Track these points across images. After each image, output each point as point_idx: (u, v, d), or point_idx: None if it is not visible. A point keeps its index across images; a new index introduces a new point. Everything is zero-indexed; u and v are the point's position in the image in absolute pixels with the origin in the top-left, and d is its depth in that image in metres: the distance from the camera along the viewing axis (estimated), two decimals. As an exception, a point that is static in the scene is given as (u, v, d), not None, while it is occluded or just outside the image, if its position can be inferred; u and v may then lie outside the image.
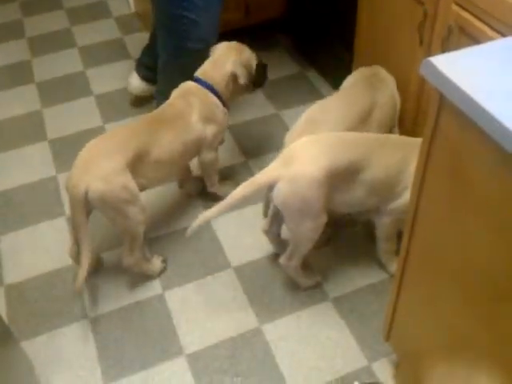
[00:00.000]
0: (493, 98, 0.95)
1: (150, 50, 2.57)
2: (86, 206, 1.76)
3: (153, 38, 2.54)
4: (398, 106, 2.11)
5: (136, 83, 2.68)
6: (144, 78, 2.64)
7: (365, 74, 2.14)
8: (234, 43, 2.12)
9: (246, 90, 2.17)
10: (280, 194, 1.64)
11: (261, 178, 1.67)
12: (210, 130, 2.02)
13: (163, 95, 2.38)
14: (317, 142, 1.69)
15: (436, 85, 1.04)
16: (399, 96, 2.10)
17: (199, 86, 2.03)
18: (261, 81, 2.20)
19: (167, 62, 2.36)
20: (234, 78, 2.06)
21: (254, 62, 2.13)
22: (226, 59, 2.06)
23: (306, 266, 1.94)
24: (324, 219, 1.70)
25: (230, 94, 2.10)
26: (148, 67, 2.58)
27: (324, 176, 1.61)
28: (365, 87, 2.05)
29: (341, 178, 1.64)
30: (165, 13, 2.24)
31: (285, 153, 1.69)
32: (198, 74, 2.07)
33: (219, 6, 2.21)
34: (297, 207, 1.66)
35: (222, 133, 2.12)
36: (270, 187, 1.67)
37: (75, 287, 1.86)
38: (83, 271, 1.81)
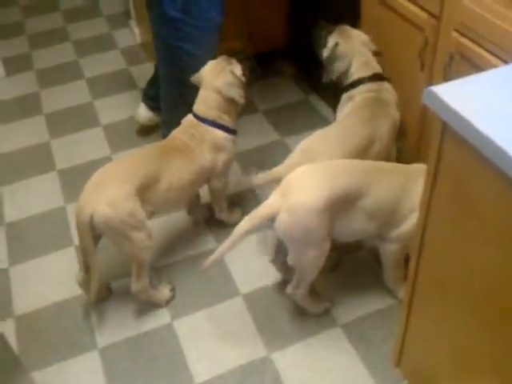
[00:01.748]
0: (495, 126, 0.97)
1: (154, 81, 2.62)
2: (93, 230, 1.77)
3: (156, 69, 2.59)
4: (397, 125, 2.06)
5: (143, 113, 2.73)
6: (150, 107, 2.69)
7: (366, 100, 2.03)
8: (213, 63, 2.07)
9: (246, 92, 2.13)
10: (281, 225, 1.65)
11: (262, 210, 1.68)
12: (220, 159, 2.04)
13: (167, 124, 2.43)
14: (315, 170, 1.71)
15: (438, 113, 1.05)
16: (399, 115, 2.05)
17: (200, 122, 2.02)
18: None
19: (168, 93, 2.40)
20: (227, 99, 2.03)
21: (237, 70, 2.06)
22: (211, 87, 2.02)
23: (314, 292, 1.94)
24: (327, 246, 1.71)
25: (234, 113, 2.08)
26: (153, 97, 2.62)
27: (323, 204, 1.61)
28: (364, 120, 1.97)
29: (340, 205, 1.65)
30: (162, 44, 2.29)
31: (283, 183, 1.70)
32: (196, 109, 2.05)
33: (216, 36, 2.24)
34: (299, 237, 1.67)
35: (232, 160, 2.14)
36: (272, 219, 1.67)
37: (90, 302, 1.89)
38: (93, 291, 1.86)
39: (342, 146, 1.90)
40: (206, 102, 2.04)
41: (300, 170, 1.72)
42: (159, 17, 2.22)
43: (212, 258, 1.74)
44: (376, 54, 2.13)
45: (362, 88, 2.07)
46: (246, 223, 1.68)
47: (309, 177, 1.69)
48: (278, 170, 1.88)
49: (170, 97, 2.40)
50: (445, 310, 1.30)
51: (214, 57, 2.14)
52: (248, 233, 1.69)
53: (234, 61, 2.08)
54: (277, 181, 1.78)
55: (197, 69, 2.12)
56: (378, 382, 1.74)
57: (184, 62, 2.23)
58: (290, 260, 1.74)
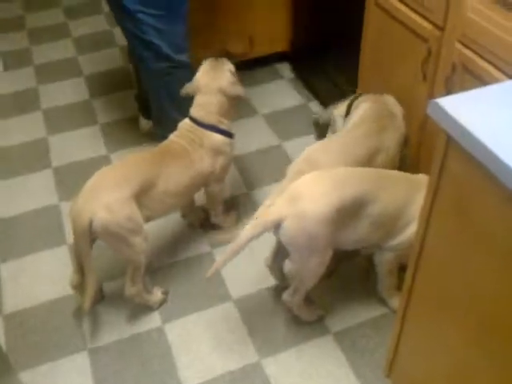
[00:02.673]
0: (499, 140, 0.96)
1: (138, 88, 2.66)
2: (91, 234, 1.75)
3: (136, 72, 2.61)
4: (403, 138, 2.07)
5: (143, 123, 2.76)
6: (147, 116, 2.69)
7: (374, 111, 2.04)
8: (207, 66, 2.06)
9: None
10: (287, 231, 1.64)
11: (267, 216, 1.66)
12: (218, 163, 2.03)
13: (160, 123, 2.47)
14: (322, 178, 1.69)
15: (443, 126, 1.05)
16: (405, 128, 2.06)
17: (198, 126, 2.01)
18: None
19: (151, 89, 2.40)
20: (227, 99, 2.03)
21: (232, 68, 2.08)
22: (211, 91, 2.01)
23: (308, 300, 1.92)
24: (330, 254, 1.70)
25: (232, 114, 2.08)
26: (145, 105, 2.61)
27: (331, 212, 1.60)
28: (372, 131, 1.97)
29: (346, 213, 1.64)
30: (131, 39, 2.28)
31: (290, 190, 1.68)
32: (193, 113, 2.03)
33: (183, 25, 2.22)
34: (304, 244, 1.65)
35: (230, 164, 2.13)
36: (277, 225, 1.65)
37: (83, 309, 1.86)
38: (89, 298, 1.82)
39: (347, 156, 1.90)
40: (205, 106, 2.02)
41: (308, 177, 1.70)
42: (121, 11, 2.17)
43: (215, 266, 1.72)
44: None
45: (364, 97, 2.11)
46: (251, 229, 1.65)
47: (317, 184, 1.67)
48: (281, 185, 1.85)
49: (154, 92, 2.39)
50: (439, 323, 1.29)
51: (188, 49, 2.22)
52: (253, 239, 1.66)
53: (225, 60, 2.09)
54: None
55: (168, 59, 2.16)
56: (369, 391, 1.74)
57: (155, 54, 2.22)
58: (289, 266, 1.73)
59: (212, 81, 2.03)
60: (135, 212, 1.78)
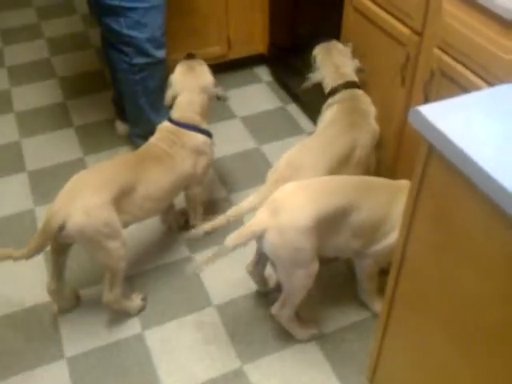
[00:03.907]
0: (481, 149, 0.96)
1: (116, 90, 2.62)
2: (65, 238, 1.72)
3: (111, 75, 2.58)
4: (377, 136, 2.09)
5: (121, 127, 2.73)
6: (124, 119, 2.66)
7: (345, 108, 2.05)
8: (183, 69, 2.06)
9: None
10: (270, 244, 1.63)
11: (249, 228, 1.64)
12: (200, 164, 2.02)
13: (136, 125, 2.49)
14: (302, 189, 1.68)
15: (424, 134, 1.05)
16: (378, 127, 2.08)
17: (179, 128, 2.00)
18: None
19: (126, 87, 2.39)
20: (208, 99, 2.05)
21: (208, 68, 2.11)
22: (192, 91, 2.03)
23: (300, 317, 1.89)
24: (316, 267, 1.68)
25: (209, 114, 2.10)
26: (123, 108, 2.58)
27: (312, 224, 1.59)
28: (345, 127, 1.99)
29: (328, 223, 1.63)
30: (110, 34, 2.27)
31: (271, 201, 1.66)
32: (174, 115, 2.03)
33: (159, 16, 2.22)
34: (288, 257, 1.64)
35: (211, 165, 2.13)
36: (259, 237, 1.64)
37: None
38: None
39: (326, 155, 1.92)
40: (188, 106, 2.02)
41: (288, 188, 1.69)
42: (100, 6, 2.19)
43: (194, 266, 1.72)
44: (359, 70, 2.17)
45: (337, 97, 2.11)
46: (233, 240, 1.63)
47: (297, 195, 1.65)
48: (263, 190, 1.85)
49: (130, 90, 2.38)
50: (422, 328, 1.30)
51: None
52: (233, 249, 1.63)
53: (200, 60, 2.10)
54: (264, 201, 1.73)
55: (147, 54, 2.19)
56: (351, 396, 1.74)
57: (135, 49, 2.23)
58: (279, 278, 1.71)
59: (194, 80, 2.04)
60: (113, 217, 1.75)
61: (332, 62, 2.16)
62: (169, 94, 2.06)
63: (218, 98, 2.11)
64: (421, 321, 1.29)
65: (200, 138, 2.02)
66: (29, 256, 1.71)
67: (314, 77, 2.20)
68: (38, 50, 3.43)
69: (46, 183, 2.45)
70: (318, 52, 2.21)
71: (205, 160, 2.04)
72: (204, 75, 2.06)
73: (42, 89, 3.09)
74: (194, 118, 2.03)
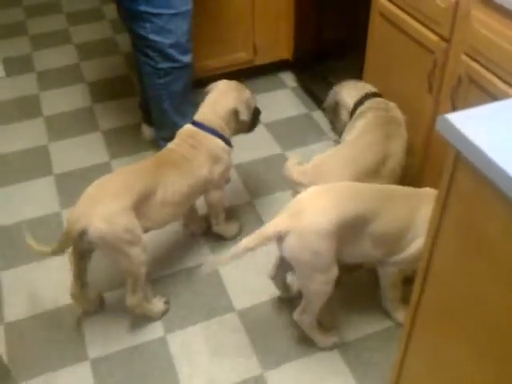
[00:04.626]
0: (510, 157, 0.95)
1: (143, 94, 2.65)
2: (87, 244, 1.74)
3: (140, 79, 2.61)
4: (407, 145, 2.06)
5: (147, 131, 2.75)
6: (151, 124, 2.68)
7: (378, 119, 2.03)
8: (233, 82, 2.12)
9: (242, 130, 2.17)
10: (289, 247, 1.62)
11: (269, 229, 1.63)
12: (216, 170, 2.02)
13: (161, 129, 2.52)
14: (325, 193, 1.67)
15: (452, 142, 1.03)
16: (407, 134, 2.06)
17: (200, 131, 2.02)
18: (254, 123, 2.21)
19: (152, 91, 2.42)
20: (235, 114, 2.06)
21: (253, 102, 2.14)
22: (226, 97, 2.06)
23: (322, 325, 1.88)
24: (335, 272, 1.67)
25: (231, 132, 2.10)
26: (149, 113, 2.61)
27: (333, 229, 1.58)
28: (379, 137, 1.96)
29: (349, 229, 1.62)
30: (137, 40, 2.31)
31: (293, 204, 1.66)
32: (198, 118, 2.05)
33: (185, 24, 2.25)
34: (307, 261, 1.63)
35: (227, 171, 2.13)
36: (279, 239, 1.63)
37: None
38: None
39: (356, 164, 1.89)
40: (212, 110, 2.04)
41: (311, 191, 1.68)
42: (126, 11, 2.26)
43: (209, 265, 1.74)
44: (375, 94, 2.16)
45: (366, 105, 2.09)
46: (251, 240, 1.63)
47: (320, 199, 1.65)
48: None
49: (156, 94, 2.41)
50: (448, 338, 1.27)
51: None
52: (250, 250, 1.64)
53: (247, 90, 2.13)
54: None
55: (172, 59, 2.22)
56: (373, 406, 1.72)
57: (160, 54, 2.26)
58: (298, 283, 1.70)
59: (232, 95, 2.07)
60: (133, 223, 1.77)
61: (348, 83, 2.21)
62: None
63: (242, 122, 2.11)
64: (446, 333, 1.27)
65: (219, 143, 2.03)
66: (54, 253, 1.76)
67: (329, 100, 2.24)
68: (67, 55, 3.48)
69: (73, 186, 2.48)
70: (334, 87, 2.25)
71: (221, 167, 2.04)
72: (242, 98, 2.07)
73: (70, 93, 3.14)
74: (218, 122, 2.03)
